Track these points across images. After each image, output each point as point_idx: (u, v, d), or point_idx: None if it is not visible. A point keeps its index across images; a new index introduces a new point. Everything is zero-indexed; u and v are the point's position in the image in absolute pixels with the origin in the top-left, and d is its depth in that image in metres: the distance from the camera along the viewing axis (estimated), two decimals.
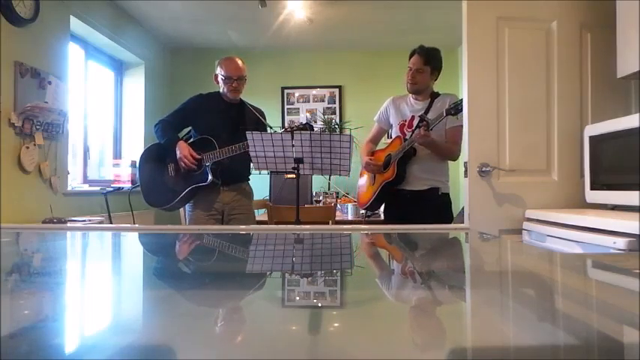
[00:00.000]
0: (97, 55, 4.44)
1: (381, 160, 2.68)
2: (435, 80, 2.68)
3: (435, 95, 2.65)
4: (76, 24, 3.74)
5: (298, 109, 5.68)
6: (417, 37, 4.37)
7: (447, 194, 2.64)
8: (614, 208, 2.01)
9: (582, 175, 2.18)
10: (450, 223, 2.67)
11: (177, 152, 2.58)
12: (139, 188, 2.81)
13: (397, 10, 4.37)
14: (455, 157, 2.63)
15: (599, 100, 2.33)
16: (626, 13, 2.01)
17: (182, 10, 4.42)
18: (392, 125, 2.75)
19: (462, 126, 2.56)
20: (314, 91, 5.67)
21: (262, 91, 5.32)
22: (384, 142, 3.01)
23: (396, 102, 2.74)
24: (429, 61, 2.59)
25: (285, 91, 5.67)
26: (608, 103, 2.32)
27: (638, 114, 1.80)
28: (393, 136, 2.71)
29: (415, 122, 2.60)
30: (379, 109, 2.83)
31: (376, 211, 3.31)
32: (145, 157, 2.78)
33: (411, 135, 2.56)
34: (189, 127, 2.77)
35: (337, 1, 4.20)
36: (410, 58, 2.63)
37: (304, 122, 2.73)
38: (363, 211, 3.42)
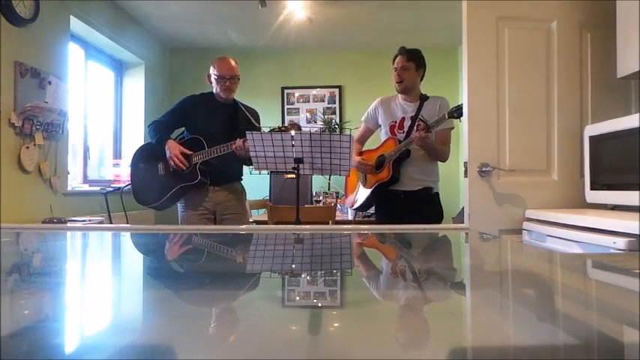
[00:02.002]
0: (97, 55, 4.44)
1: (372, 161, 2.69)
2: (422, 79, 2.72)
3: (424, 97, 2.68)
4: (76, 24, 3.74)
5: (298, 109, 5.68)
6: (417, 37, 4.38)
7: (438, 194, 2.69)
8: (614, 208, 2.01)
9: (582, 175, 2.18)
10: (441, 222, 2.71)
11: (167, 151, 2.59)
12: (128, 187, 2.83)
13: (397, 10, 4.37)
14: (445, 158, 2.67)
15: (599, 100, 2.33)
16: (626, 13, 2.02)
17: (182, 10, 4.42)
18: (380, 126, 2.77)
19: (451, 128, 2.62)
20: (314, 91, 5.67)
21: (262, 91, 5.32)
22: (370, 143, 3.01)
23: (384, 103, 2.76)
24: (412, 58, 2.63)
25: (285, 91, 5.67)
26: (608, 103, 2.32)
27: (638, 114, 1.81)
28: (383, 137, 2.73)
29: (406, 124, 2.63)
30: (366, 110, 2.84)
31: (368, 211, 3.32)
32: (136, 156, 2.80)
33: (405, 136, 2.59)
34: (183, 128, 2.78)
35: (337, 1, 4.20)
36: (393, 61, 2.68)
37: (293, 123, 2.73)
38: (353, 211, 3.44)
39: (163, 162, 2.66)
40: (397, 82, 2.66)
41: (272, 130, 2.45)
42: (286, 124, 2.52)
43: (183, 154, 2.57)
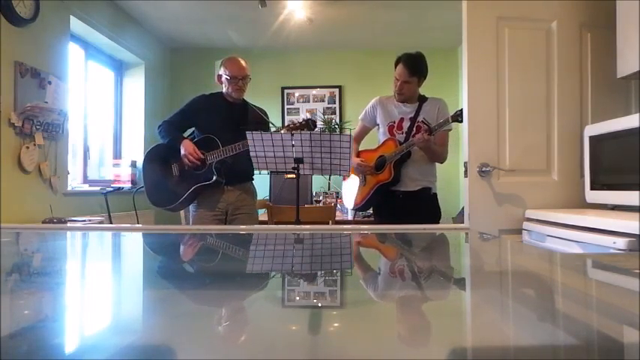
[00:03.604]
0: (97, 55, 4.44)
1: (371, 161, 2.70)
2: (421, 84, 2.70)
3: (423, 99, 2.69)
4: (76, 24, 3.74)
5: (298, 109, 5.68)
6: (417, 37, 4.38)
7: (436, 194, 2.71)
8: (614, 208, 2.01)
9: (582, 175, 2.18)
10: (439, 222, 2.73)
11: (182, 150, 2.58)
12: (141, 189, 2.80)
13: (397, 10, 4.37)
14: (443, 159, 2.69)
15: (599, 100, 2.33)
16: (626, 13, 2.02)
17: (182, 10, 4.42)
18: (378, 125, 2.77)
19: (449, 130, 2.64)
20: (314, 91, 5.67)
21: (262, 91, 5.31)
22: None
23: (383, 102, 2.76)
24: (416, 72, 2.60)
25: (285, 91, 5.67)
26: (608, 103, 2.32)
27: (638, 114, 1.81)
28: (381, 137, 2.74)
29: (405, 124, 2.65)
30: (364, 108, 2.84)
31: (367, 212, 3.32)
32: (148, 157, 2.77)
33: (405, 137, 2.61)
34: (193, 128, 2.77)
35: (337, 1, 4.20)
36: (395, 65, 2.63)
37: (307, 118, 2.70)
38: (353, 211, 3.44)
39: (177, 163, 2.65)
40: (397, 94, 2.65)
41: (288, 128, 2.45)
42: (300, 122, 2.51)
43: (196, 152, 2.56)
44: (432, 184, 2.68)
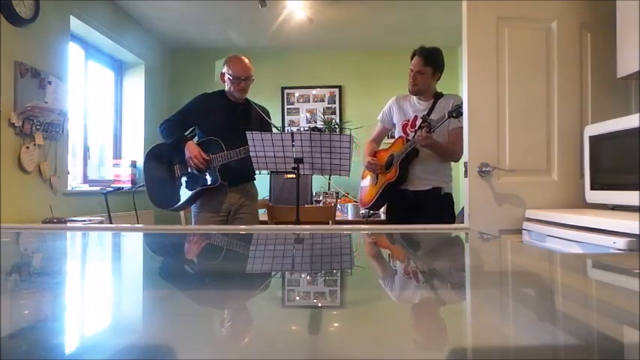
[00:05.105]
0: (97, 55, 4.44)
1: (383, 160, 2.68)
2: (438, 80, 2.68)
3: (438, 96, 2.64)
4: (76, 24, 3.74)
5: (298, 109, 5.68)
6: (417, 37, 4.36)
7: (450, 194, 2.64)
8: (614, 208, 2.01)
9: (582, 175, 2.18)
10: (453, 223, 2.67)
11: (187, 152, 2.57)
12: (141, 188, 2.80)
13: (397, 10, 4.37)
14: (457, 158, 2.62)
15: (599, 100, 2.33)
16: (626, 13, 2.02)
17: (182, 10, 4.42)
18: (395, 125, 2.76)
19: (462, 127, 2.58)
20: (314, 91, 5.67)
21: (262, 91, 5.30)
22: (386, 142, 3.01)
23: (399, 101, 2.74)
24: (430, 62, 2.58)
25: (285, 91, 5.67)
26: (608, 103, 2.32)
27: (638, 114, 1.81)
28: (396, 136, 2.72)
29: (418, 122, 2.60)
30: (382, 109, 2.83)
31: (376, 212, 3.31)
32: (150, 157, 2.75)
33: (414, 135, 2.56)
34: (194, 127, 2.76)
35: (337, 1, 4.20)
36: (411, 59, 2.63)
37: (313, 126, 2.70)
38: (364, 211, 3.42)
39: (180, 163, 2.63)
40: (410, 85, 2.63)
41: (313, 128, 2.46)
42: (307, 127, 2.52)
43: (202, 156, 2.55)
44: (443, 184, 2.60)
